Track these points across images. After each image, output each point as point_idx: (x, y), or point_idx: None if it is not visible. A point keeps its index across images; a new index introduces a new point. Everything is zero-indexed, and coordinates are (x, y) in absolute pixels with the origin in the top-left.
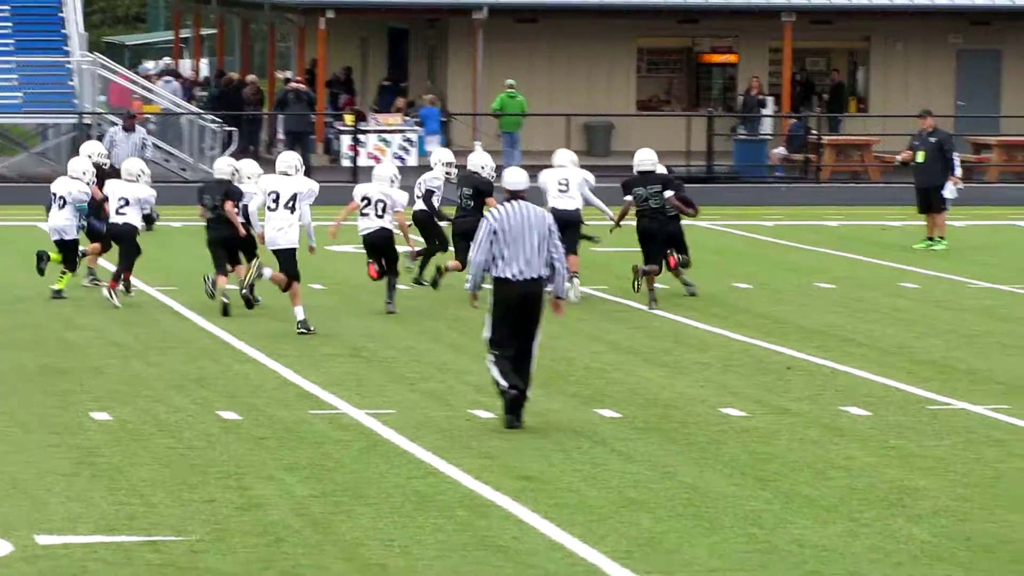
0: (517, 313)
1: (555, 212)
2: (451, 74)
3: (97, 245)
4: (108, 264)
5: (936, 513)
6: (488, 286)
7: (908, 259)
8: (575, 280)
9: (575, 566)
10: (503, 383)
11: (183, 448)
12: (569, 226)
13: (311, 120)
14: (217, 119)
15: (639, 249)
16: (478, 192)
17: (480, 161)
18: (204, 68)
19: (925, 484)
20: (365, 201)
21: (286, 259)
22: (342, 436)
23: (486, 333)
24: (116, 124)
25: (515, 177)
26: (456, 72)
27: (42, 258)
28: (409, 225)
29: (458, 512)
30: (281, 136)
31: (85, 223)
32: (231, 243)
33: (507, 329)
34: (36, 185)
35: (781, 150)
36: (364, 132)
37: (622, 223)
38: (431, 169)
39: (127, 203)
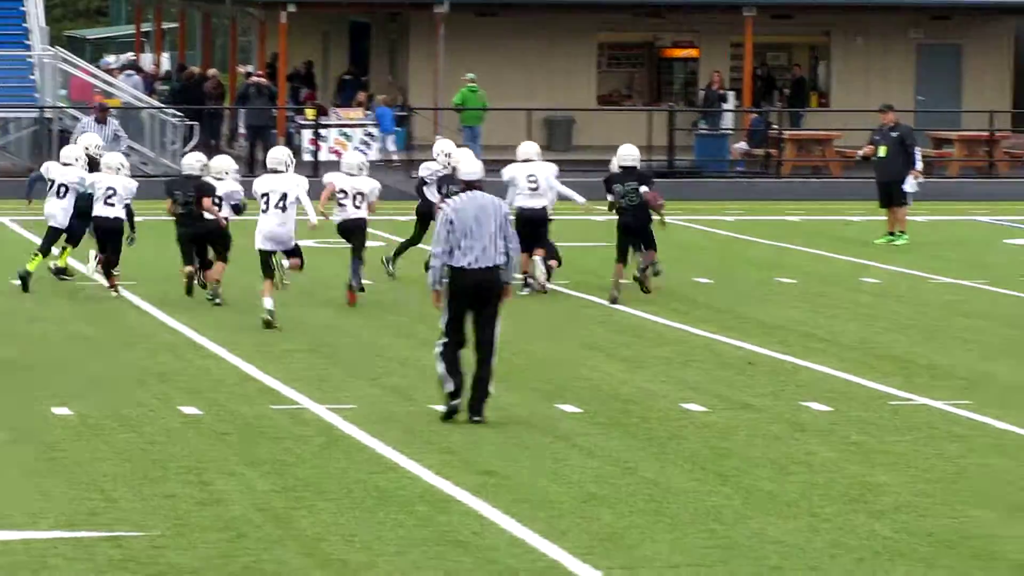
0: (471, 301)
1: (523, 211)
2: (412, 68)
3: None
4: (77, 262)
5: (897, 509)
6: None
7: (869, 254)
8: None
9: (536, 562)
10: (448, 386)
11: (144, 443)
12: (538, 224)
13: (272, 114)
14: (178, 113)
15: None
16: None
17: (448, 147)
18: (165, 62)
19: (886, 480)
20: (342, 193)
21: (289, 253)
22: (303, 431)
23: (441, 321)
24: (87, 117)
25: (470, 167)
26: (417, 66)
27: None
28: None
29: (419, 507)
30: (242, 130)
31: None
32: (202, 239)
33: (460, 317)
34: None
35: (742, 145)
36: (325, 126)
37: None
38: (434, 160)
39: (114, 193)
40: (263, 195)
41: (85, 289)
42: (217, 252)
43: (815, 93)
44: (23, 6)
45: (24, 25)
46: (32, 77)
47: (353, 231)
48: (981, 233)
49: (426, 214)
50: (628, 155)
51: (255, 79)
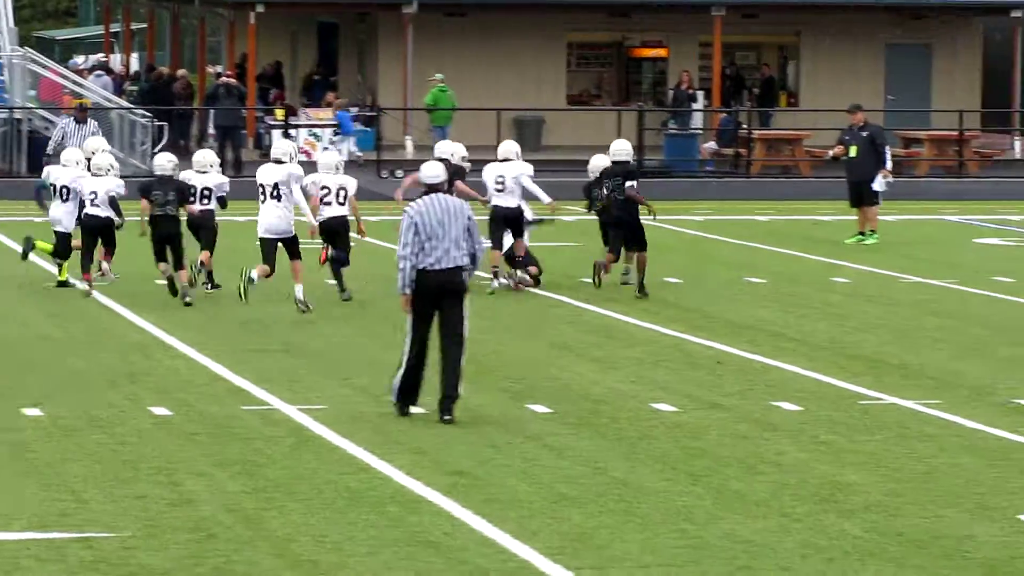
0: (434, 303)
1: (496, 209)
2: (381, 69)
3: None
4: (47, 265)
5: (868, 508)
6: None
7: (839, 254)
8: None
9: (507, 562)
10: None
11: (115, 444)
12: (511, 221)
13: (242, 115)
14: (147, 114)
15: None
16: (451, 178)
17: (449, 149)
18: (134, 63)
19: (856, 479)
20: (325, 190)
21: (288, 245)
22: (273, 432)
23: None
24: (67, 117)
25: (431, 171)
26: (386, 67)
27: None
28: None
29: (389, 508)
30: (212, 131)
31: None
32: (177, 239)
33: (424, 317)
34: None
35: (712, 144)
36: (295, 127)
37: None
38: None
39: (96, 195)
40: (260, 185)
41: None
42: (202, 241)
43: (784, 93)
44: None
45: None
46: (1, 78)
47: (339, 231)
48: (951, 232)
49: None
50: (621, 150)
51: (224, 79)
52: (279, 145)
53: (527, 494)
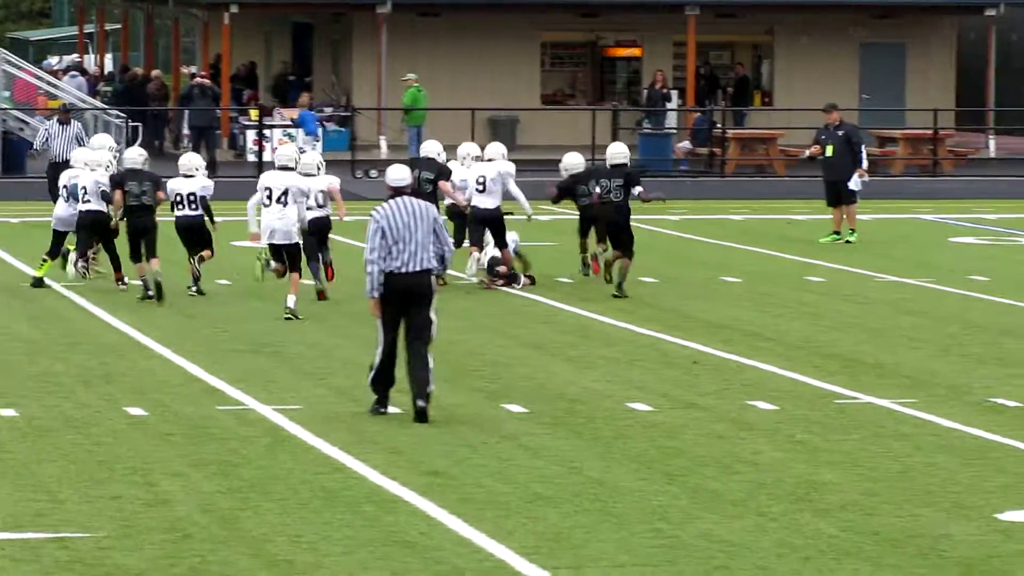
0: (401, 305)
1: (476, 210)
2: (355, 69)
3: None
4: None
5: (844, 507)
6: None
7: (814, 253)
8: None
9: (483, 561)
10: (373, 392)
11: (90, 444)
12: (490, 223)
13: (216, 115)
14: (122, 114)
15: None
16: (438, 177)
17: (436, 148)
18: (108, 63)
19: (832, 478)
20: (267, 192)
21: (289, 253)
22: (249, 432)
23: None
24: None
25: (397, 174)
26: (360, 67)
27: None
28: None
29: (365, 508)
30: (186, 131)
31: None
32: (152, 231)
33: (392, 320)
34: None
35: (686, 144)
36: (269, 127)
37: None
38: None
39: (86, 191)
40: (266, 188)
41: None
42: (203, 244)
43: (758, 92)
44: None
45: None
46: None
47: (324, 230)
48: (926, 231)
49: (459, 215)
50: (619, 153)
51: (199, 80)
52: (285, 151)
53: (503, 494)
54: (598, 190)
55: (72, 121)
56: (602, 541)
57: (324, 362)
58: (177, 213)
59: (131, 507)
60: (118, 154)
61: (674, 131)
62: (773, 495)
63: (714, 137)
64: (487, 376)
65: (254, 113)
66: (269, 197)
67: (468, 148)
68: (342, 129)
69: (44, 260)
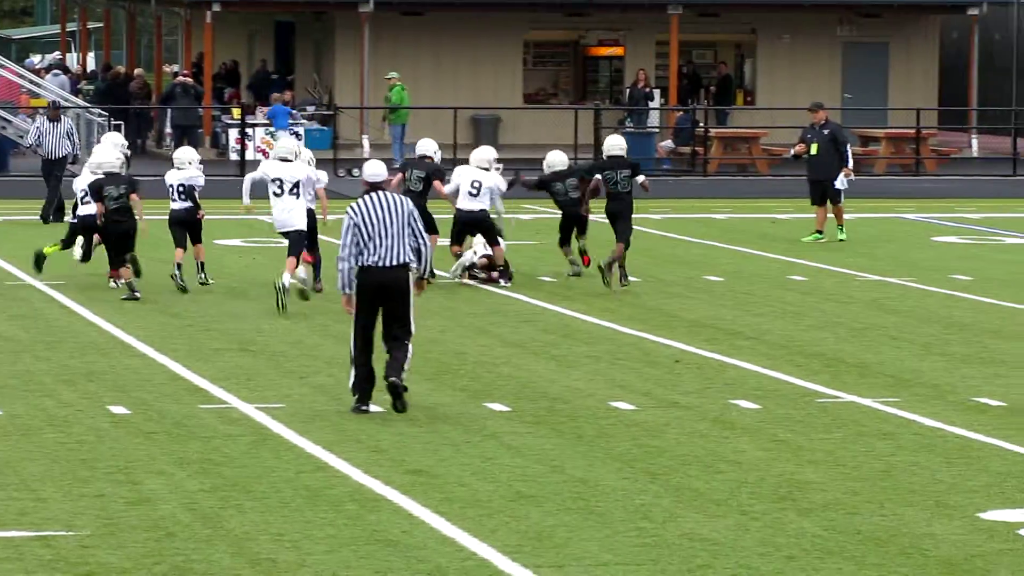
0: (377, 299)
1: (461, 212)
2: (338, 68)
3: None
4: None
5: (826, 507)
6: None
7: (796, 252)
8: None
9: (466, 560)
10: (354, 391)
11: (72, 443)
12: (479, 225)
13: (198, 114)
14: (104, 113)
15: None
16: (429, 177)
17: (431, 148)
18: (91, 62)
19: (815, 477)
20: (278, 182)
21: (295, 240)
22: (231, 430)
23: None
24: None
25: (374, 169)
26: (343, 66)
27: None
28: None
29: (348, 506)
30: (168, 130)
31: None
32: (130, 236)
33: (368, 314)
34: None
35: (668, 143)
36: (251, 125)
37: (590, 205)
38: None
39: (86, 193)
40: (275, 179)
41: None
42: (192, 237)
43: (741, 91)
44: None
45: None
46: None
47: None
48: (908, 231)
49: (473, 222)
50: (616, 145)
51: (181, 79)
52: (285, 144)
53: (485, 492)
54: (598, 177)
55: (62, 118)
56: (585, 540)
57: (307, 360)
58: (172, 206)
59: (114, 505)
60: (127, 152)
61: (656, 130)
62: (756, 494)
63: (697, 136)
64: (470, 375)
65: (236, 112)
66: (280, 188)
67: (486, 152)
68: (324, 128)
69: (56, 244)
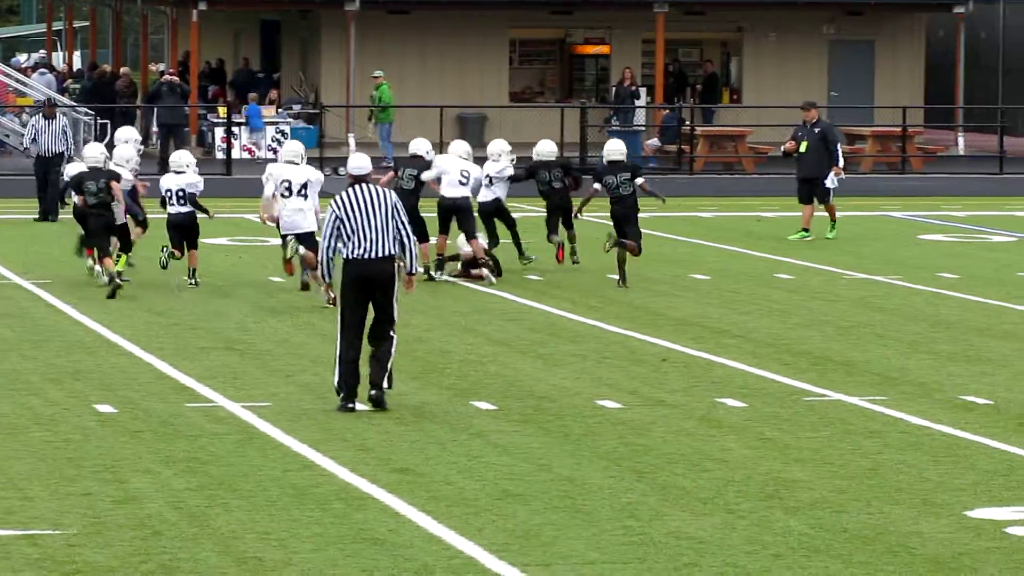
0: (362, 292)
1: (445, 200)
2: (324, 66)
3: (139, 230)
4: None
5: (813, 505)
6: None
7: (783, 250)
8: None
9: (452, 559)
10: (339, 390)
11: (59, 441)
12: (463, 212)
13: (185, 112)
14: (90, 111)
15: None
16: (418, 174)
17: (425, 146)
18: (77, 60)
19: (802, 476)
20: (286, 184)
21: (306, 240)
22: (218, 429)
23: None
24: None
25: (358, 162)
26: (329, 64)
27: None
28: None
29: (335, 505)
30: (155, 128)
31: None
32: (112, 229)
33: (353, 306)
34: None
35: (655, 141)
36: (237, 124)
37: (584, 212)
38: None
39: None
40: (283, 181)
41: None
42: (189, 242)
43: (727, 89)
44: None
45: None
46: None
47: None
48: (895, 229)
49: (493, 212)
50: (616, 150)
51: (167, 77)
52: (291, 147)
53: (472, 491)
54: (597, 187)
55: (57, 115)
56: (572, 538)
57: (293, 359)
58: (170, 210)
59: (101, 504)
60: (140, 147)
61: (643, 128)
62: (742, 492)
63: (683, 134)
64: (456, 373)
65: (222, 110)
66: (288, 190)
67: (500, 145)
68: (310, 126)
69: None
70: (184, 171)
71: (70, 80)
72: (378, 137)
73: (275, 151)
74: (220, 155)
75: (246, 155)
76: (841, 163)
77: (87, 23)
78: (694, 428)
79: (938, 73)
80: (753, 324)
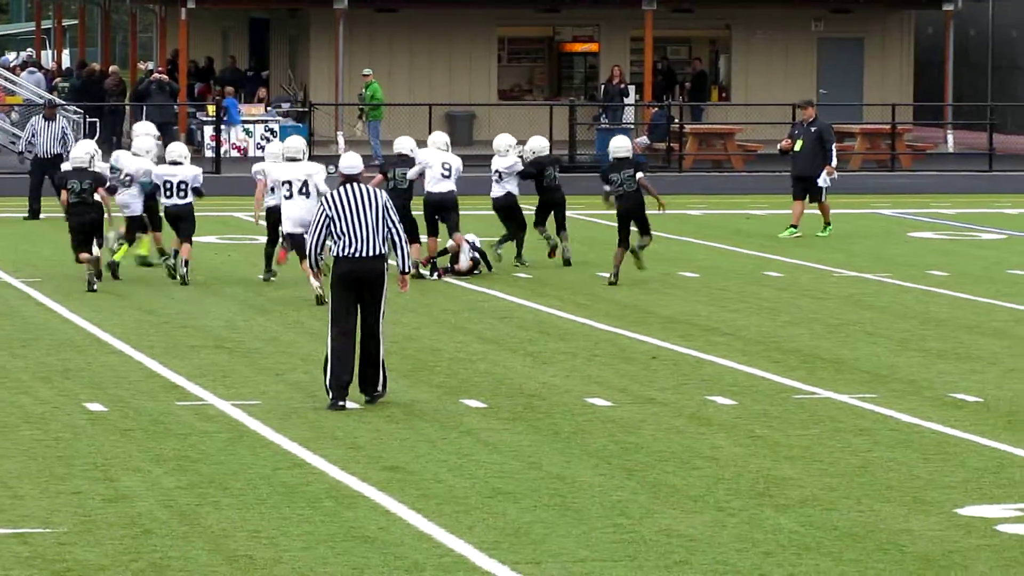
0: (352, 290)
1: (431, 195)
2: (313, 64)
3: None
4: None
5: (803, 503)
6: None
7: (771, 248)
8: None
9: (443, 557)
10: (329, 388)
11: (49, 440)
12: (445, 206)
13: (174, 111)
14: (79, 110)
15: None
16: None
17: (409, 144)
18: (66, 59)
19: (792, 473)
20: (287, 185)
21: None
22: (208, 427)
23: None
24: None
25: (349, 161)
26: (318, 62)
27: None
28: None
29: (325, 503)
30: None
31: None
32: (94, 227)
33: (344, 304)
34: None
35: (643, 139)
36: (226, 123)
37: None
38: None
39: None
40: (284, 183)
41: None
42: (182, 234)
43: (716, 87)
44: None
45: None
46: None
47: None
48: (884, 226)
49: (506, 207)
50: (622, 147)
51: (156, 75)
52: (293, 143)
53: (462, 489)
54: (607, 188)
55: (57, 117)
56: (562, 536)
57: (283, 358)
58: (166, 201)
59: (91, 503)
60: (159, 142)
61: (631, 126)
62: (732, 490)
63: (672, 132)
64: (446, 371)
65: (211, 109)
66: (289, 191)
67: (507, 140)
68: (299, 125)
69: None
70: (182, 162)
71: (59, 79)
72: (368, 135)
73: (263, 148)
74: (209, 153)
75: (235, 153)
76: (835, 162)
77: (76, 21)
78: (684, 426)
79: (927, 70)
80: (743, 322)
